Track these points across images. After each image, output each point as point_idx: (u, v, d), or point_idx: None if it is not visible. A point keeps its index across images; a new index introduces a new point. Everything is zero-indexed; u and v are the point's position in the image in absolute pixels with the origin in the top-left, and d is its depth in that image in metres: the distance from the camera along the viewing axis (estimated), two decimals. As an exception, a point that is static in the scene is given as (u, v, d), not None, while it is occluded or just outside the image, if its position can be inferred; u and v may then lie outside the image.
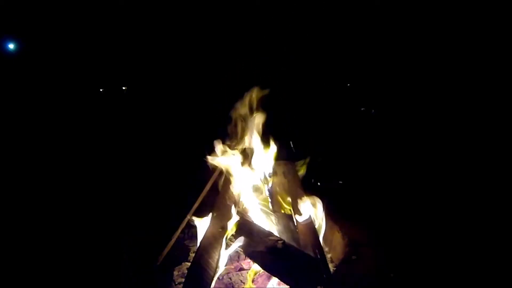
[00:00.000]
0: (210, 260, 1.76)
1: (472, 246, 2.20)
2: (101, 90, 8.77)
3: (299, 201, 2.16)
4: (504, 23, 5.14)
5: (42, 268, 2.10)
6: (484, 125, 4.39)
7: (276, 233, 1.98)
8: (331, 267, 2.09)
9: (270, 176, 2.45)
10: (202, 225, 2.09)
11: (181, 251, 2.35)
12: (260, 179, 2.39)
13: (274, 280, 1.86)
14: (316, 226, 2.08)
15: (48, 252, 2.24)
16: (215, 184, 2.33)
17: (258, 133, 2.39)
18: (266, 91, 2.42)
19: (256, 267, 1.95)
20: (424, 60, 5.84)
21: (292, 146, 3.35)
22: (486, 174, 3.29)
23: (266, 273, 1.85)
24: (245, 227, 1.88)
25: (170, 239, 2.18)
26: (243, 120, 2.39)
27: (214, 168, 2.28)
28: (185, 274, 1.82)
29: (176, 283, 2.08)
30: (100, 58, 8.29)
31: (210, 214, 2.09)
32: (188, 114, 5.91)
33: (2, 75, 7.64)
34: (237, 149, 2.33)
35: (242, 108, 2.40)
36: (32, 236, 2.43)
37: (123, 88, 8.88)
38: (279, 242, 1.72)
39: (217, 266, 1.81)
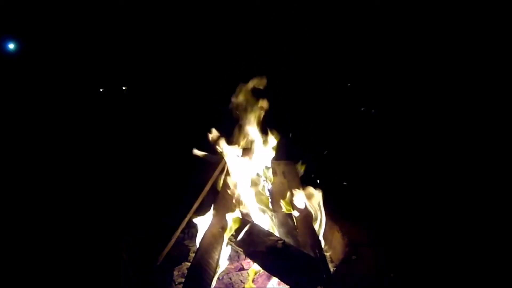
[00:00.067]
0: (210, 260, 1.76)
1: (472, 246, 2.21)
2: (101, 90, 8.77)
3: (294, 193, 2.17)
4: (504, 23, 5.14)
5: (42, 268, 2.10)
6: (484, 124, 4.39)
7: (276, 233, 1.98)
8: (331, 267, 2.09)
9: (270, 175, 2.45)
10: (202, 225, 2.09)
11: (181, 251, 2.35)
12: (261, 180, 2.39)
13: (274, 280, 1.86)
14: (314, 217, 2.09)
15: (48, 252, 2.24)
16: (215, 184, 2.33)
17: (258, 126, 2.37)
18: (264, 80, 2.39)
19: (256, 267, 1.95)
20: (424, 60, 5.84)
21: (291, 136, 3.33)
22: (486, 174, 3.29)
23: (266, 273, 1.85)
24: (245, 227, 1.88)
25: (170, 239, 2.18)
26: (242, 112, 2.36)
27: (215, 166, 2.28)
28: (185, 274, 1.82)
29: (176, 283, 2.08)
30: (100, 58, 8.29)
31: (211, 211, 2.09)
32: (188, 114, 5.90)
33: (2, 75, 7.63)
34: (238, 145, 2.31)
35: (240, 99, 2.37)
36: (32, 236, 2.43)
37: (123, 88, 8.88)
38: (279, 242, 1.72)
39: (217, 266, 1.81)
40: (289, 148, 2.69)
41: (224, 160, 2.26)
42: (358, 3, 6.58)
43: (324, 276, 1.63)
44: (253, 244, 1.76)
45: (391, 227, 2.40)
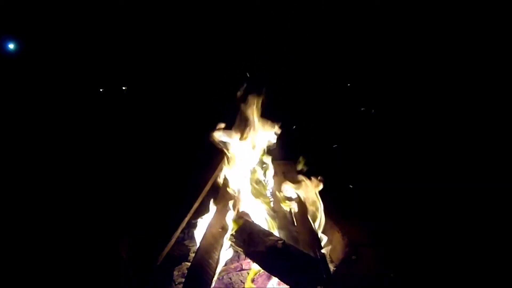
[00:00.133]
0: (210, 260, 1.76)
1: (472, 246, 2.21)
2: (101, 90, 8.77)
3: (290, 187, 2.17)
4: (503, 23, 5.14)
5: (42, 268, 2.10)
6: (484, 124, 4.39)
7: (276, 233, 1.98)
8: (331, 267, 2.09)
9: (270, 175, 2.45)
10: (202, 225, 2.09)
11: (181, 251, 2.35)
12: (261, 179, 2.39)
13: (274, 280, 1.86)
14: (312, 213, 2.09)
15: (48, 252, 2.24)
16: (215, 184, 2.32)
17: (258, 118, 2.32)
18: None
19: (256, 267, 1.95)
20: (424, 60, 5.84)
21: (294, 128, 3.30)
22: (486, 174, 3.29)
23: (266, 273, 1.85)
24: (246, 227, 1.88)
25: (170, 239, 2.18)
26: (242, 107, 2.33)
27: (215, 165, 2.27)
28: (185, 274, 1.82)
29: (176, 283, 2.08)
30: (100, 58, 8.29)
31: (211, 210, 2.08)
32: (188, 114, 5.90)
33: (2, 75, 7.63)
34: (238, 139, 2.29)
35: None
36: (32, 236, 2.43)
37: (123, 88, 8.87)
38: (279, 242, 1.72)
39: (217, 266, 1.81)
40: (289, 147, 2.68)
41: (224, 160, 2.25)
42: (358, 3, 6.58)
43: (324, 276, 1.63)
44: (253, 244, 1.76)
45: (391, 227, 2.40)
